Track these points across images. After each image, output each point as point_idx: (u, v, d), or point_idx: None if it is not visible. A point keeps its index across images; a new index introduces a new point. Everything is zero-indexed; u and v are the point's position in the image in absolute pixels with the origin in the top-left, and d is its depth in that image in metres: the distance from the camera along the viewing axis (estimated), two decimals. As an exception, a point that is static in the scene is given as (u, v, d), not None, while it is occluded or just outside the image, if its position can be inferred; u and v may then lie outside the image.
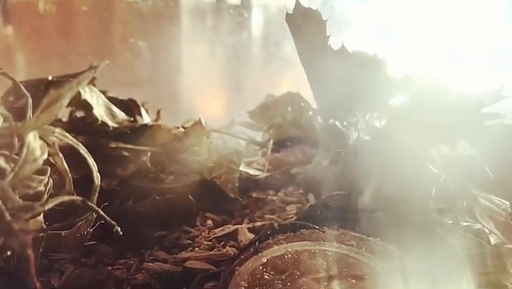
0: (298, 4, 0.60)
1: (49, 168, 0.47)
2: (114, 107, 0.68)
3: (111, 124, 0.64)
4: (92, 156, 0.54)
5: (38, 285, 0.35)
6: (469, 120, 0.50)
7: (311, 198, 0.67)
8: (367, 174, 0.53)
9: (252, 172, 0.72)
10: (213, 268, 0.51)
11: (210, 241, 0.56)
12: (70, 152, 0.53)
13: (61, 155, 0.51)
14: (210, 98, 1.16)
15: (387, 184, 0.51)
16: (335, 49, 0.60)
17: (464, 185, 0.50)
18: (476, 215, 0.48)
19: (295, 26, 0.62)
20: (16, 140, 0.45)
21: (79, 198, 0.45)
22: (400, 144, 0.52)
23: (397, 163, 0.51)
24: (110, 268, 0.51)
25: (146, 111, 0.76)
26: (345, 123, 0.60)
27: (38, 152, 0.47)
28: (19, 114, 0.48)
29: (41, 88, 0.57)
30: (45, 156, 0.48)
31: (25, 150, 0.45)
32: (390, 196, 0.51)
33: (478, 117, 0.50)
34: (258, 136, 0.86)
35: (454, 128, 0.51)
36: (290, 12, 0.61)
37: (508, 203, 0.52)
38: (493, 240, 0.47)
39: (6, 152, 0.44)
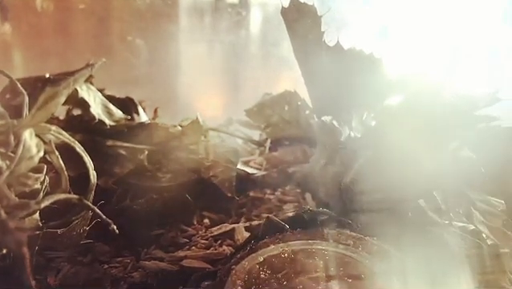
0: None
1: (45, 166, 0.47)
2: (111, 106, 0.67)
3: (108, 122, 0.64)
4: (89, 154, 0.54)
5: (33, 283, 0.35)
6: (462, 122, 0.50)
7: (308, 197, 0.67)
8: (364, 174, 0.53)
9: (249, 170, 0.72)
10: (210, 267, 0.51)
11: (207, 240, 0.56)
12: (66, 150, 0.53)
13: (57, 153, 0.51)
14: (208, 96, 1.16)
15: (384, 184, 0.51)
16: (330, 45, 0.60)
17: (461, 186, 0.50)
18: (472, 218, 0.48)
19: (290, 21, 0.61)
20: (12, 137, 0.45)
21: (75, 196, 0.45)
22: (397, 144, 0.51)
23: (394, 163, 0.50)
24: (106, 266, 0.51)
25: (143, 109, 0.76)
26: (341, 122, 0.60)
27: (34, 150, 0.47)
28: (16, 111, 0.48)
29: (38, 86, 0.56)
30: (41, 153, 0.48)
31: (21, 148, 0.45)
32: (387, 196, 0.51)
33: (472, 120, 0.50)
34: (256, 135, 0.86)
35: (448, 130, 0.51)
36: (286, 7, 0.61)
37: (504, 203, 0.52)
38: (490, 240, 0.47)
39: (2, 150, 0.43)
